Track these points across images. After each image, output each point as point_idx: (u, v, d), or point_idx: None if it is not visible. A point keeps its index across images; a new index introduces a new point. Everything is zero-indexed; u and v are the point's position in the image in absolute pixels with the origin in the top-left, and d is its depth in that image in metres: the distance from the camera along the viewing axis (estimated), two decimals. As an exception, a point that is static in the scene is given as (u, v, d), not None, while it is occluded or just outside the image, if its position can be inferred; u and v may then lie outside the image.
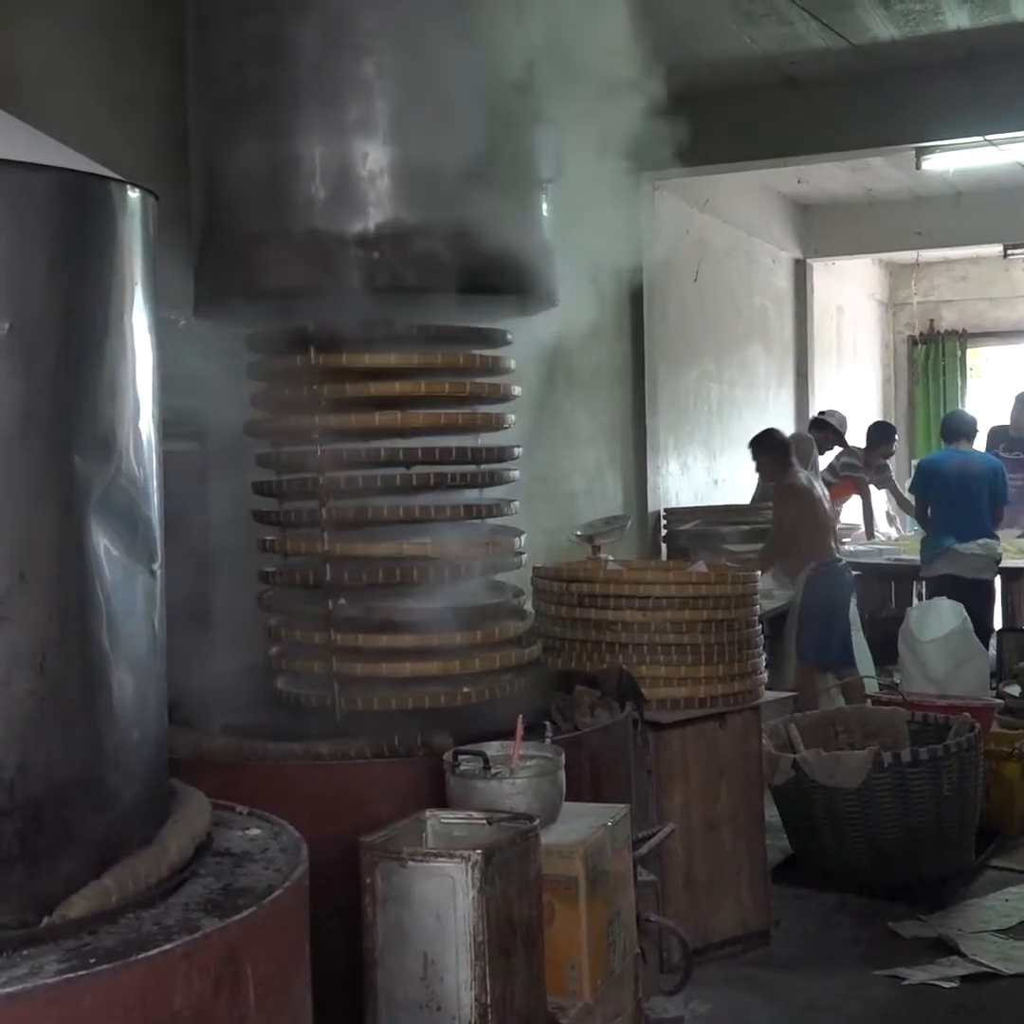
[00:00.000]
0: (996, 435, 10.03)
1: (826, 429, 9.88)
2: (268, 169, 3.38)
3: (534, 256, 3.58)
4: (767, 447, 7.36)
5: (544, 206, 3.65)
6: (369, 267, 3.34)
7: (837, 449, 10.22)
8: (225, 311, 3.63)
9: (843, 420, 10.11)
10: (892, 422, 12.41)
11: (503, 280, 3.50)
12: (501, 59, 3.50)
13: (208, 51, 3.53)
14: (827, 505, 7.32)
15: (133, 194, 1.88)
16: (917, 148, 8.25)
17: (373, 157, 3.33)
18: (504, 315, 3.77)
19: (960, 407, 13.18)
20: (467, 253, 3.38)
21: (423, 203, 3.37)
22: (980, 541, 8.34)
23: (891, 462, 10.79)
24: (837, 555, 7.23)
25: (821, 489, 7.40)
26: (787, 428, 11.28)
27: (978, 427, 9.22)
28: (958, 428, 8.93)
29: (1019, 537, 9.48)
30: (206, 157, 3.54)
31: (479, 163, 3.39)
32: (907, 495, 9.84)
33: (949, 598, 7.67)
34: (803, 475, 7.34)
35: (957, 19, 6.88)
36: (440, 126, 3.38)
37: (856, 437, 10.65)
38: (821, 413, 10.40)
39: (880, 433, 10.63)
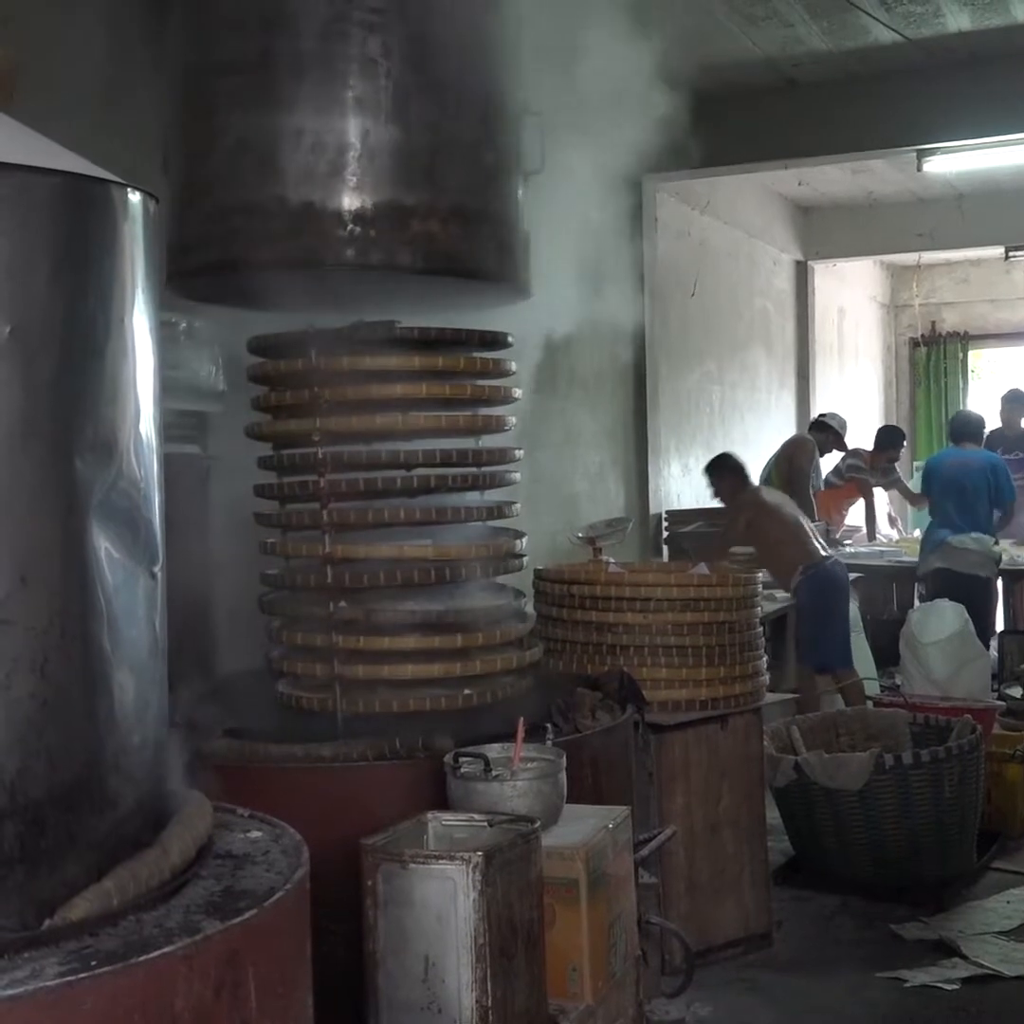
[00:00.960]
0: (992, 439, 10.03)
1: (827, 431, 9.90)
2: (265, 139, 3.35)
3: (513, 245, 3.59)
4: (723, 471, 7.37)
5: (521, 196, 3.66)
6: (355, 244, 3.34)
7: (836, 452, 10.23)
8: (201, 282, 3.60)
9: (843, 423, 10.13)
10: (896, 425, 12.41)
11: (478, 266, 3.51)
12: (495, 47, 3.53)
13: (202, 15, 3.47)
14: (797, 512, 7.36)
15: (134, 197, 1.88)
16: (918, 150, 8.26)
17: (374, 135, 3.33)
18: (478, 304, 3.80)
19: (964, 408, 13.15)
20: (448, 237, 3.40)
21: (414, 184, 3.38)
22: (974, 535, 8.33)
23: (897, 466, 10.79)
24: (825, 554, 7.23)
25: (787, 501, 7.47)
26: (788, 430, 11.32)
27: (984, 427, 9.22)
28: (962, 430, 8.96)
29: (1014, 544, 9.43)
30: (193, 123, 3.49)
31: (469, 148, 3.43)
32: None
33: (944, 594, 7.68)
34: (764, 491, 7.40)
35: (958, 21, 6.89)
36: (438, 109, 3.40)
37: (859, 439, 10.67)
38: (821, 415, 10.41)
39: (888, 437, 10.64)
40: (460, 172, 3.43)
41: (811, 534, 7.22)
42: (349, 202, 3.32)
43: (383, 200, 3.33)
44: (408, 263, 3.39)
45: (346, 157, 3.32)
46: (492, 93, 3.51)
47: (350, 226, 3.32)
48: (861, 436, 10.67)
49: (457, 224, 3.41)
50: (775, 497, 7.40)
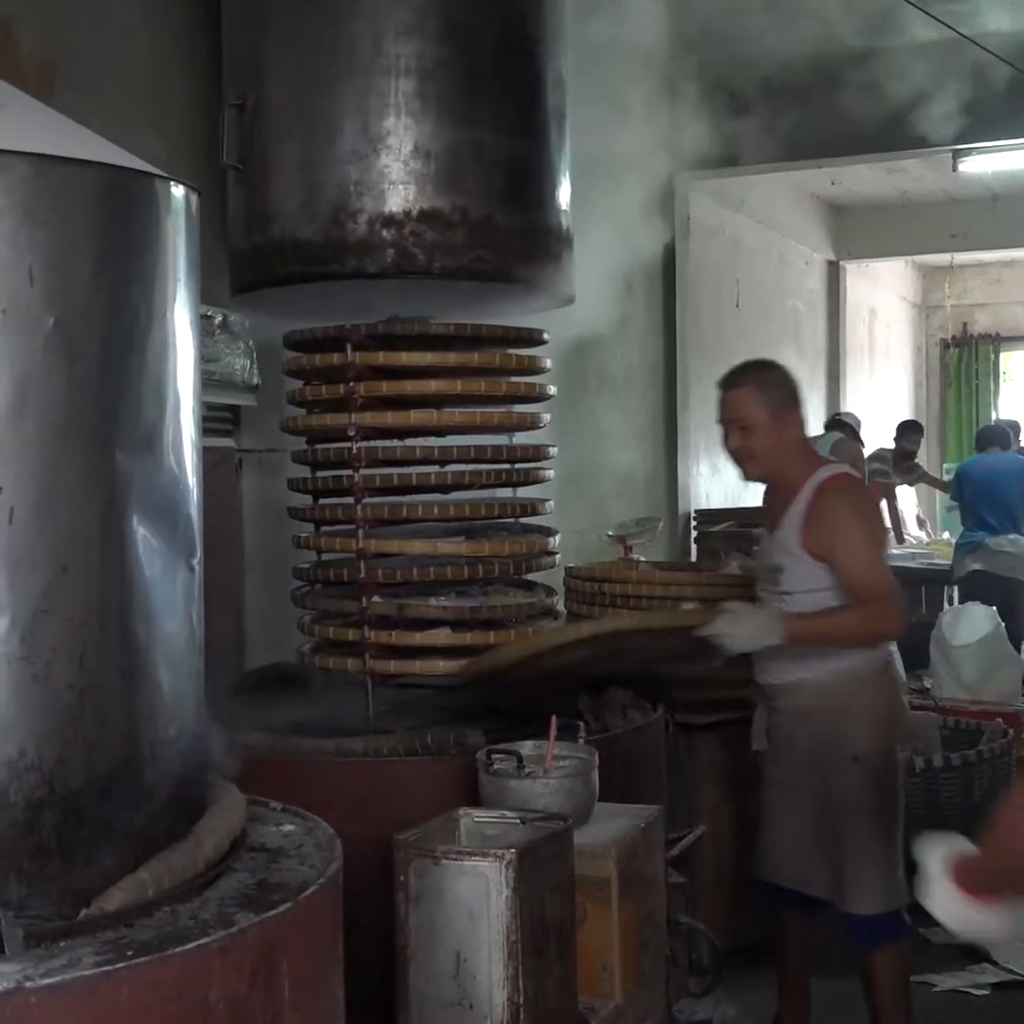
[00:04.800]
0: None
1: (844, 429, 9.73)
2: (448, 148, 3.41)
3: (561, 253, 3.69)
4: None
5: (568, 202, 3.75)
6: (525, 260, 3.54)
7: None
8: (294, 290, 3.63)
9: (859, 421, 10.01)
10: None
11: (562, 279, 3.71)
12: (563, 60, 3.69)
13: (323, 19, 3.43)
14: None
15: (177, 191, 1.89)
16: (953, 150, 8.20)
17: (534, 155, 3.53)
18: (533, 308, 3.85)
19: (993, 414, 13.10)
20: (566, 253, 3.67)
21: (549, 204, 3.62)
22: (1011, 536, 8.32)
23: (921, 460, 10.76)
24: None
25: None
26: (817, 430, 11.24)
27: (1011, 432, 9.20)
28: (989, 437, 8.97)
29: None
30: (333, 121, 3.45)
31: (567, 170, 3.68)
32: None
33: (980, 596, 7.62)
34: None
35: (997, 21, 6.84)
36: (560, 133, 3.64)
37: (885, 442, 10.61)
38: (836, 414, 10.26)
39: (908, 426, 10.62)
40: (567, 192, 3.69)
41: None
42: (524, 220, 3.50)
43: (542, 220, 3.56)
44: (552, 279, 3.63)
45: (523, 174, 3.49)
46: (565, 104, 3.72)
47: (517, 245, 3.49)
48: (889, 439, 10.61)
49: (569, 240, 3.69)
50: None
